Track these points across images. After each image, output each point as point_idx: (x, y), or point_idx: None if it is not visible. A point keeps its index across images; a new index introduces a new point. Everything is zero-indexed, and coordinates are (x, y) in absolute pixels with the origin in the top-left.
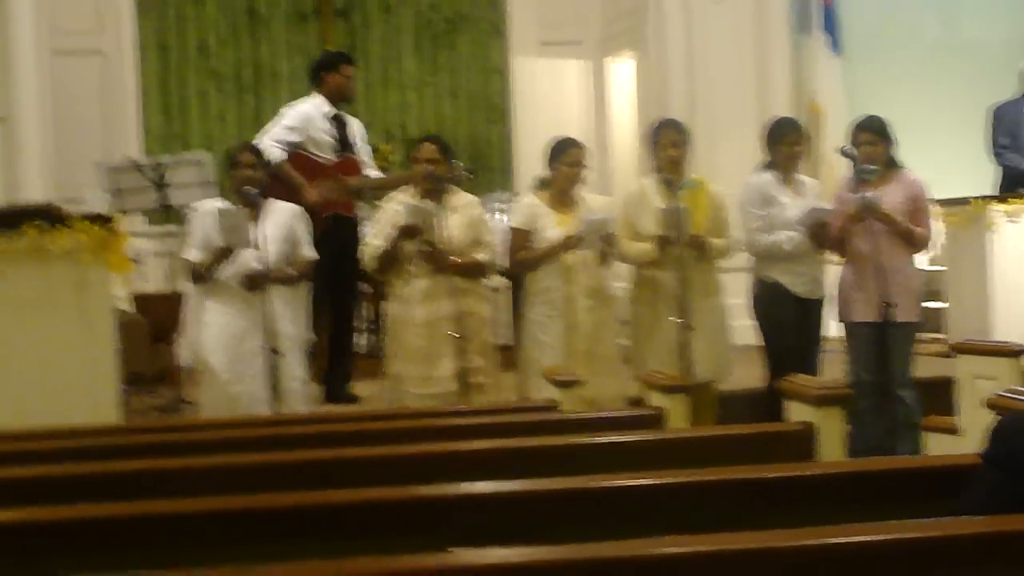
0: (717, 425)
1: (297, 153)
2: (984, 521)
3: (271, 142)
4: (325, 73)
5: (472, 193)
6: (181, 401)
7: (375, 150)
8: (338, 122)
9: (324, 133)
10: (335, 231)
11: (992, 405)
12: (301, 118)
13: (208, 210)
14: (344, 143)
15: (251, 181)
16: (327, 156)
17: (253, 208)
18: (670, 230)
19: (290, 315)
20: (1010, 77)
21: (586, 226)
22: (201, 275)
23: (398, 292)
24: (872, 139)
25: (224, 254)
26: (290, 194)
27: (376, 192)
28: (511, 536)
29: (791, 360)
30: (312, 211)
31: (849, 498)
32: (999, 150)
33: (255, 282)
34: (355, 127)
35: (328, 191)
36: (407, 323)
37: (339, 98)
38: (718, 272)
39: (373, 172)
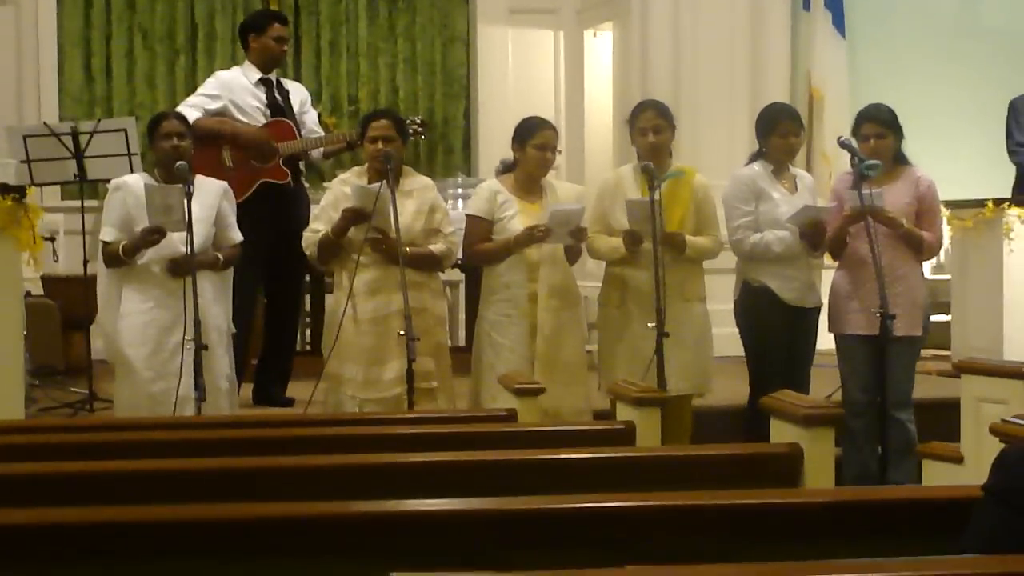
0: (692, 444)
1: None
2: (984, 561)
3: (188, 108)
4: (252, 35)
5: (429, 176)
6: (94, 398)
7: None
8: (271, 88)
9: (252, 99)
10: (263, 204)
11: (997, 432)
12: (221, 85)
13: (128, 185)
14: (278, 110)
15: (177, 152)
16: (255, 123)
17: (184, 184)
18: (639, 225)
19: (219, 305)
20: None
21: (553, 217)
22: (117, 258)
23: (341, 284)
24: (879, 131)
25: (153, 236)
26: (211, 168)
27: (319, 163)
28: (460, 560)
29: (778, 374)
30: (262, 148)
31: (837, 530)
32: (1015, 147)
33: (180, 268)
34: (295, 93)
35: (252, 157)
36: (351, 318)
37: (270, 62)
38: (701, 274)
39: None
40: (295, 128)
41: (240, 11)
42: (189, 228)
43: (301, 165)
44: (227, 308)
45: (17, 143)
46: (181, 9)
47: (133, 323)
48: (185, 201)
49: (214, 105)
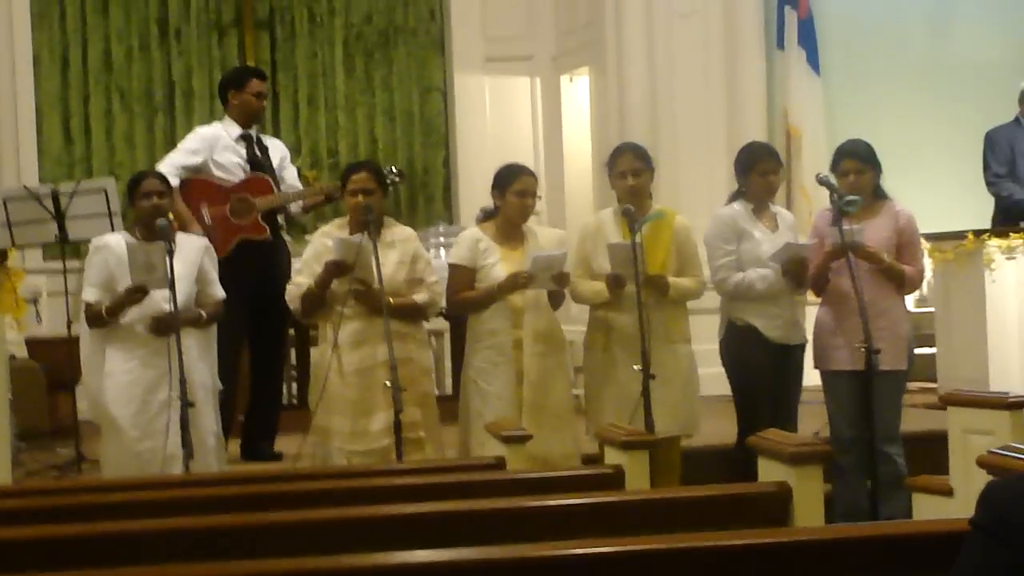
0: (681, 486)
1: (195, 179)
2: None
3: (167, 168)
4: (232, 91)
5: (410, 226)
6: (81, 459)
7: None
8: (251, 143)
9: (232, 154)
10: (243, 259)
11: (984, 464)
12: (201, 140)
13: (110, 244)
14: (257, 166)
15: (158, 211)
16: (234, 179)
17: (166, 242)
18: (621, 268)
19: (204, 361)
20: (1007, 99)
21: (535, 263)
22: (100, 318)
23: (326, 336)
24: (858, 167)
25: (136, 295)
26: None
27: (299, 217)
28: None
29: (765, 413)
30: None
31: (829, 568)
32: (993, 179)
33: (164, 326)
34: (275, 149)
35: (230, 214)
36: (336, 371)
37: (249, 118)
38: (685, 315)
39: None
40: (273, 183)
41: (217, 68)
42: (172, 286)
43: (281, 219)
44: (212, 364)
45: None
46: (158, 68)
47: (117, 382)
48: (167, 259)
49: (194, 160)
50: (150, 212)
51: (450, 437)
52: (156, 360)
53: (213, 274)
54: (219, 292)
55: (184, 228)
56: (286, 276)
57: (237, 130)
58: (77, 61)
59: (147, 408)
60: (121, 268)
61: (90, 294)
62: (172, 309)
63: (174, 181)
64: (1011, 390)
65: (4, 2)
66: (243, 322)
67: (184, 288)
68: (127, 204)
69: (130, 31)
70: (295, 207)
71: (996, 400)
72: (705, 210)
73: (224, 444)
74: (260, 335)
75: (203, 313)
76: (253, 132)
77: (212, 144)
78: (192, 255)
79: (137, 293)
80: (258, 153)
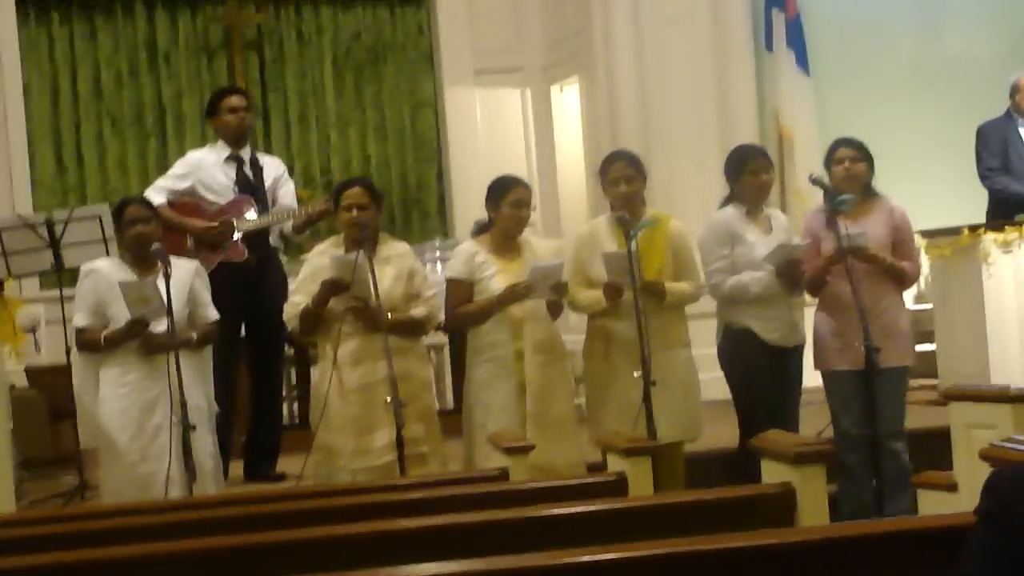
0: (685, 490)
1: (180, 200)
2: None
3: (153, 191)
4: (209, 118)
5: (406, 241)
6: (85, 487)
7: None
8: (241, 164)
9: (221, 176)
10: (226, 280)
11: (987, 457)
12: (189, 164)
13: (99, 269)
14: (248, 186)
15: (143, 238)
16: (223, 201)
17: (163, 265)
18: (618, 277)
19: (196, 384)
20: (998, 93)
21: (533, 274)
22: (92, 344)
23: (326, 355)
24: (853, 154)
25: (136, 327)
26: (174, 249)
27: (295, 237)
28: None
29: (765, 415)
30: (206, 244)
31: (836, 567)
32: (987, 173)
33: (156, 346)
34: (270, 168)
35: (209, 236)
36: (337, 389)
37: (234, 136)
38: (684, 319)
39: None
40: (261, 204)
41: (207, 91)
42: (169, 311)
43: (278, 240)
44: (206, 387)
45: None
46: (148, 93)
47: (112, 408)
48: (162, 286)
49: (182, 185)
50: (135, 239)
51: (453, 451)
52: (148, 384)
53: (205, 296)
54: (212, 313)
55: (183, 231)
56: (282, 297)
57: (226, 152)
58: (67, 89)
59: (143, 432)
60: (110, 292)
61: (81, 319)
62: (168, 330)
63: (160, 200)
64: (1012, 383)
65: None
66: (235, 344)
67: (176, 310)
68: (115, 229)
69: (119, 57)
70: (288, 227)
71: (997, 393)
72: (699, 215)
73: (222, 467)
74: (256, 356)
75: (193, 335)
76: (246, 153)
77: (200, 167)
78: (183, 277)
79: (137, 326)
80: (249, 174)
